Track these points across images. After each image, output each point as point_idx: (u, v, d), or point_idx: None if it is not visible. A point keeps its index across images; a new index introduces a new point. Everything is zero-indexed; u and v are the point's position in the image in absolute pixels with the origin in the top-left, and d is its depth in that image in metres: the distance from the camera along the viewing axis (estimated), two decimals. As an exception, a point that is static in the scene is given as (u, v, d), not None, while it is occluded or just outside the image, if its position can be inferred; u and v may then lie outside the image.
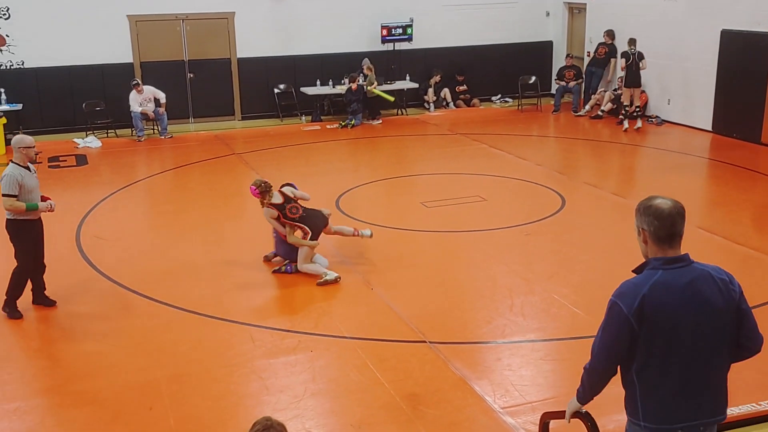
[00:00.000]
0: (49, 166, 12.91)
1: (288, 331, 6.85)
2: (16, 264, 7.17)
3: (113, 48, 15.46)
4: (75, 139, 14.68)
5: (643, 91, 15.41)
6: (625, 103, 14.95)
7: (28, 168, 7.04)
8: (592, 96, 16.65)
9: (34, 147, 7.10)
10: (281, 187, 8.26)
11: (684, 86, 15.05)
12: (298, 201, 8.18)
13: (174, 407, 5.66)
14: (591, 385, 3.47)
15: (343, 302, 7.57)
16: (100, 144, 14.53)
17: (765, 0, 13.07)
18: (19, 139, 7.04)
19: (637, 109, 14.97)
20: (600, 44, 16.67)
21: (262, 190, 8.00)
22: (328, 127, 15.84)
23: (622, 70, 14.91)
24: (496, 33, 17.94)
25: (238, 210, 10.81)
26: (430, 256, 8.69)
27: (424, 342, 6.56)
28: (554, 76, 17.87)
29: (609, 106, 16.09)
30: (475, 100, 17.93)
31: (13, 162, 6.99)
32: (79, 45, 15.18)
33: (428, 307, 7.31)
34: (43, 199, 7.14)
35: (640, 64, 14.58)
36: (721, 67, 14.04)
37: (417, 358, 6.31)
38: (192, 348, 6.57)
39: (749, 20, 13.35)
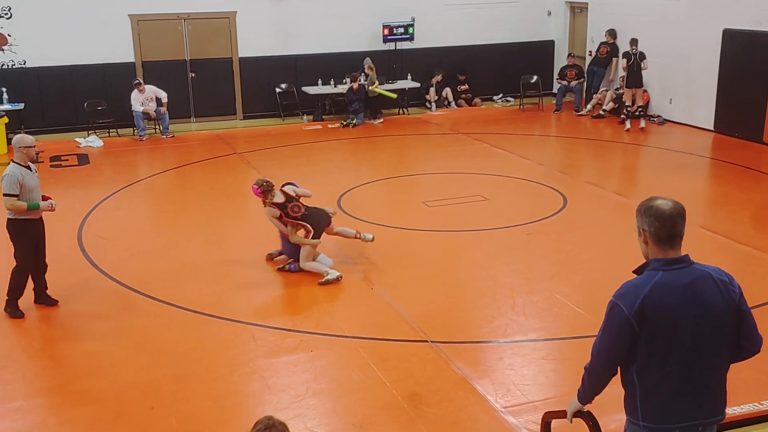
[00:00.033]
0: (51, 166, 12.92)
1: (289, 330, 6.85)
2: (15, 264, 7.18)
3: (115, 47, 15.47)
4: (77, 139, 14.69)
5: (645, 91, 15.41)
6: (627, 103, 14.94)
7: (29, 167, 7.05)
8: (594, 95, 16.63)
9: (34, 146, 7.11)
10: (283, 186, 8.27)
11: (686, 86, 15.03)
12: (301, 199, 8.19)
13: (175, 407, 5.66)
14: (591, 386, 3.48)
15: (344, 302, 7.57)
16: (102, 143, 14.54)
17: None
18: (20, 138, 7.05)
19: (640, 109, 14.97)
20: (602, 43, 16.65)
21: (264, 190, 8.01)
22: (329, 126, 15.84)
23: (624, 70, 14.92)
24: (497, 32, 17.92)
25: (239, 209, 10.80)
26: (432, 256, 8.69)
27: (426, 341, 6.56)
28: (556, 76, 17.83)
29: (611, 105, 16.08)
30: (477, 100, 17.91)
31: (14, 161, 7.00)
32: (81, 44, 15.19)
33: (430, 306, 7.31)
34: (44, 198, 7.14)
35: (642, 65, 14.57)
36: (723, 67, 14.03)
37: (418, 357, 6.30)
38: (193, 347, 6.57)
39: (751, 19, 13.34)
